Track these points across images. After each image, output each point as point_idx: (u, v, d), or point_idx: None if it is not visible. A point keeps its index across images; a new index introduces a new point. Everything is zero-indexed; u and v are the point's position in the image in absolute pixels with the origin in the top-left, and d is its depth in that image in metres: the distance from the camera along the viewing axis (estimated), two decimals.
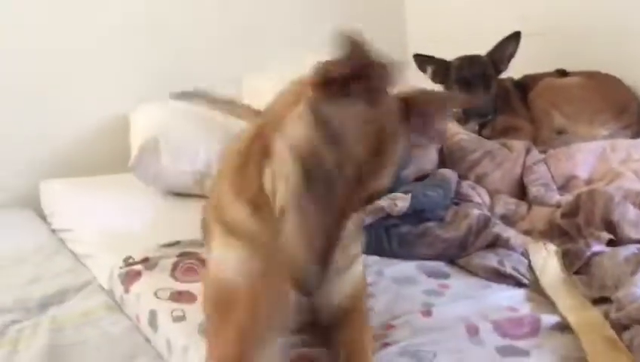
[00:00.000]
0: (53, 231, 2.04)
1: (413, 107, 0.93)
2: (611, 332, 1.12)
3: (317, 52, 0.92)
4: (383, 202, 1.63)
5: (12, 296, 1.53)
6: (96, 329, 1.38)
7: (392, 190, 1.69)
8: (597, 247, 1.42)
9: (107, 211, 1.90)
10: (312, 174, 0.82)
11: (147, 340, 1.34)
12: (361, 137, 0.83)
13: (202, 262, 1.48)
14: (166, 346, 1.25)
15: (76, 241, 1.86)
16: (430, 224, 1.66)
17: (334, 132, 0.82)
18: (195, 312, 1.23)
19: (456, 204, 1.80)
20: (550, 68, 2.42)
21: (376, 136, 0.84)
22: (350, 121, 0.83)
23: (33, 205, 2.21)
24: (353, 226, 1.06)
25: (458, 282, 1.47)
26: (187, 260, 1.51)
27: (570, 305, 1.25)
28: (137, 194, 1.98)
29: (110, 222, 1.83)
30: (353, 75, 0.83)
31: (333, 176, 0.82)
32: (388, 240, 1.62)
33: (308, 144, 0.83)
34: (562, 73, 2.39)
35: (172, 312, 1.29)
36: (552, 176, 1.91)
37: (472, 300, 1.35)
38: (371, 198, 0.91)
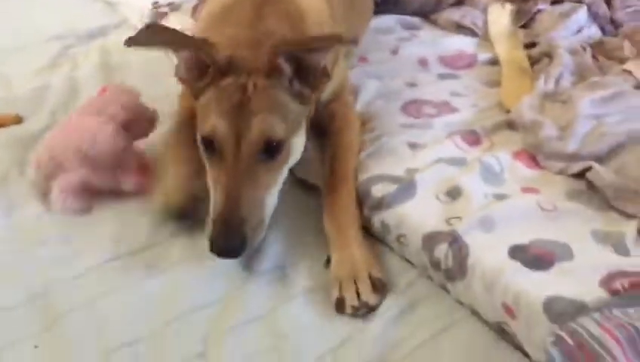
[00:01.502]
0: None
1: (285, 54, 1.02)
2: (526, 64, 1.49)
3: None
4: None
5: (63, 26, 1.90)
6: (137, 54, 1.67)
7: None
8: (542, 5, 1.72)
9: None
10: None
11: None
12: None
13: None
14: None
15: None
16: None
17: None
18: None
19: None
20: None
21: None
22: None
23: None
24: None
25: (426, 32, 1.80)
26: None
27: (505, 47, 1.60)
28: None
29: None
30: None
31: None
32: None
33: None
34: None
35: None
36: None
37: (432, 44, 1.70)
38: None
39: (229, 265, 1.06)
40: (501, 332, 0.92)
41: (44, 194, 1.20)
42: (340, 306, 0.98)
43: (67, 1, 2.12)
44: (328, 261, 1.05)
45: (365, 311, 0.97)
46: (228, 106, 1.01)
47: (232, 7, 1.19)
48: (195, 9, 1.82)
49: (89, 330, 0.97)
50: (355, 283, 0.99)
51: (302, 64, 1.04)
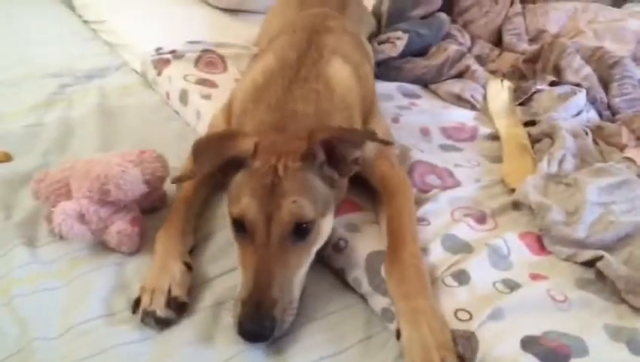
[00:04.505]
0: (85, 22, 2.30)
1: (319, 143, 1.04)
2: (527, 141, 1.51)
3: None
4: (384, 46, 1.92)
5: (61, 64, 1.86)
6: (136, 98, 1.73)
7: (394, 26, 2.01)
8: (541, 85, 1.76)
9: (137, 7, 2.15)
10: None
11: (176, 112, 1.70)
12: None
13: (221, 57, 1.82)
14: (195, 116, 1.62)
15: (108, 32, 2.14)
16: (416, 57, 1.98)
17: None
18: (219, 93, 1.60)
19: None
20: None
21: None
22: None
23: None
24: None
25: (426, 102, 1.83)
26: (208, 55, 1.83)
27: (505, 123, 1.62)
28: None
29: (140, 17, 2.10)
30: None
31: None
32: (378, 65, 1.93)
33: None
34: None
35: (200, 92, 1.65)
36: (526, 28, 2.19)
37: (432, 114, 1.71)
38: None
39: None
40: None
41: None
42: None
43: (67, 39, 2.09)
44: (398, 334, 0.97)
45: None
46: (259, 187, 1.02)
47: (263, 88, 1.24)
48: (198, 59, 1.82)
49: None
50: None
51: (334, 151, 1.06)
